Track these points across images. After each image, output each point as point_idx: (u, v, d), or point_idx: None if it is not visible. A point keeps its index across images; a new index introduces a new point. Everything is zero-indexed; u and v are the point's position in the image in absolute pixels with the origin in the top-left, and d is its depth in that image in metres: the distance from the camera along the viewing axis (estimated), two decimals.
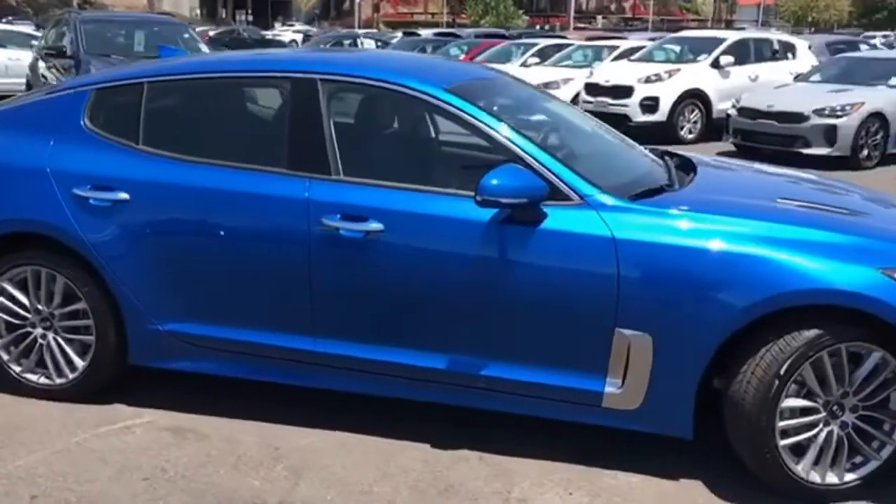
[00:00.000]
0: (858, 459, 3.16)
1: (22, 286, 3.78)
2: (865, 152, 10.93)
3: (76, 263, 3.66)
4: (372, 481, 3.25)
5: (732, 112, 11.76)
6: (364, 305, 3.41)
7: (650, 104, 12.85)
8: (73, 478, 3.21)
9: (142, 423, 3.65)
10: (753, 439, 3.08)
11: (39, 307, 3.78)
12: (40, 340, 3.81)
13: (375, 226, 3.30)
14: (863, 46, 18.74)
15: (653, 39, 17.09)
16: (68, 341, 3.78)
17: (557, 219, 3.19)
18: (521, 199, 3.13)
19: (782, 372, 3.01)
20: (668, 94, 12.84)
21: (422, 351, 3.38)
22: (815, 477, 3.13)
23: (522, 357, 3.29)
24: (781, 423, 3.07)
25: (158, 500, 3.08)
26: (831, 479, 3.14)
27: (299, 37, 37.22)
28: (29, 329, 3.82)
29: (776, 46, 14.26)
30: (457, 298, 3.30)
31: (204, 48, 11.78)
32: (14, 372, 3.85)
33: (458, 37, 26.89)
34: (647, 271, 3.11)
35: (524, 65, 16.54)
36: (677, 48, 14.74)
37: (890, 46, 24.01)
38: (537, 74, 14.97)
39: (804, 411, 3.10)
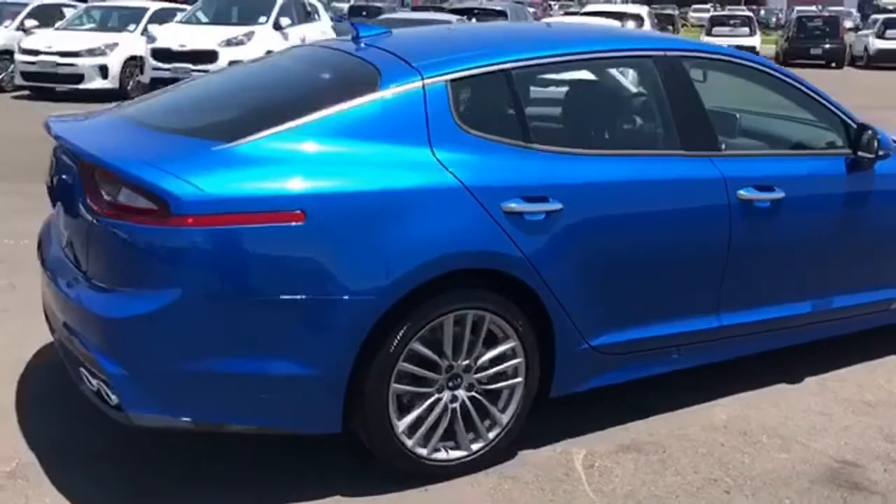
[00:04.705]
0: None
1: (434, 343, 2.89)
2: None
3: (508, 295, 2.97)
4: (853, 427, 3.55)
5: None
6: (765, 270, 3.59)
7: None
8: None
9: (583, 456, 3.21)
10: None
11: (453, 363, 2.94)
12: (450, 405, 2.97)
13: (780, 194, 3.51)
14: None
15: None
16: (488, 394, 3.03)
17: (884, 165, 3.85)
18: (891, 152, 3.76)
19: None
20: (251, 57, 12.63)
21: (800, 300, 3.75)
22: None
23: (861, 283, 3.92)
24: None
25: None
26: None
27: None
28: (436, 396, 2.94)
29: (308, 8, 15.01)
30: (834, 244, 3.76)
31: None
32: (420, 457, 2.94)
33: None
34: None
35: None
36: (205, 14, 14.29)
37: None
38: (71, 41, 13.21)
39: None
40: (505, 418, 3.08)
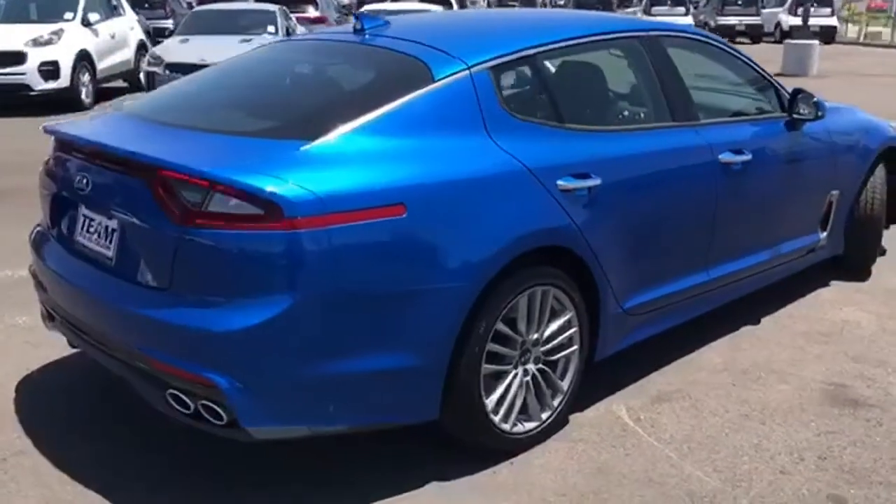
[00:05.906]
0: None
1: (511, 321, 2.99)
2: None
3: (567, 268, 3.13)
4: None
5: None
6: (738, 225, 3.98)
7: (50, 70, 11.52)
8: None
9: (625, 411, 3.45)
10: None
11: (525, 339, 3.06)
12: (524, 379, 3.09)
13: (748, 156, 3.91)
14: None
15: None
16: (552, 365, 3.18)
17: (813, 126, 4.37)
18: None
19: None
20: (65, 58, 11.71)
21: (761, 249, 4.19)
22: None
23: (797, 231, 4.45)
24: None
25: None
26: None
27: None
28: (513, 372, 3.05)
29: (113, 2, 14.05)
30: (782, 199, 4.23)
31: None
32: (504, 433, 3.05)
33: None
34: (840, 146, 4.63)
35: None
36: None
37: None
38: None
39: None
40: (565, 385, 3.25)
